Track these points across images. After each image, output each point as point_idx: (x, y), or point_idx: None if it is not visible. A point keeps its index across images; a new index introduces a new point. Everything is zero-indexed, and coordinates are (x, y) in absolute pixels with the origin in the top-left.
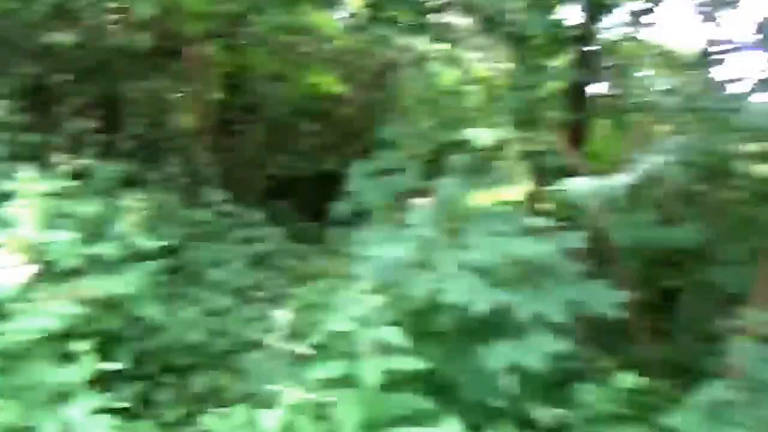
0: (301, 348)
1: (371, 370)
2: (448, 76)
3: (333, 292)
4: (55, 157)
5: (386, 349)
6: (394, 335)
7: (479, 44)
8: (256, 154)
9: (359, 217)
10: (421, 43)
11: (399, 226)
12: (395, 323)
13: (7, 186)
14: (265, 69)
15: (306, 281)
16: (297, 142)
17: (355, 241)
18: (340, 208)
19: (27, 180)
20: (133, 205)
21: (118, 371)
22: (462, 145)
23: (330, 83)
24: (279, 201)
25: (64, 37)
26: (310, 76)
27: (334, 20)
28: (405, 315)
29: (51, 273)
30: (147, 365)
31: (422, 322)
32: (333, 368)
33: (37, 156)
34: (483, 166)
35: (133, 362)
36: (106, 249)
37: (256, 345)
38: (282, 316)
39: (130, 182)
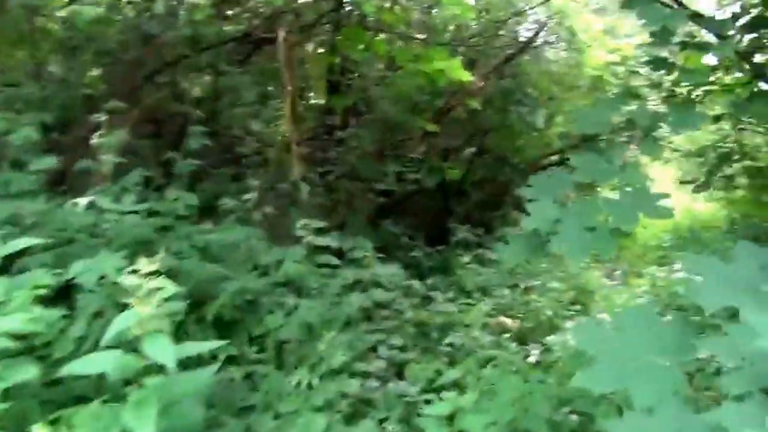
0: None
1: None
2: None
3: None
4: None
5: None
6: None
7: None
8: (363, 166)
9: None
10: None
11: None
12: None
13: None
14: (371, 58)
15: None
16: (412, 148)
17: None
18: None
19: None
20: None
21: None
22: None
23: (456, 70)
24: (392, 222)
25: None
26: (432, 62)
27: None
28: None
29: None
30: None
31: None
32: None
33: None
34: None
35: None
36: None
37: None
38: None
39: (205, 210)
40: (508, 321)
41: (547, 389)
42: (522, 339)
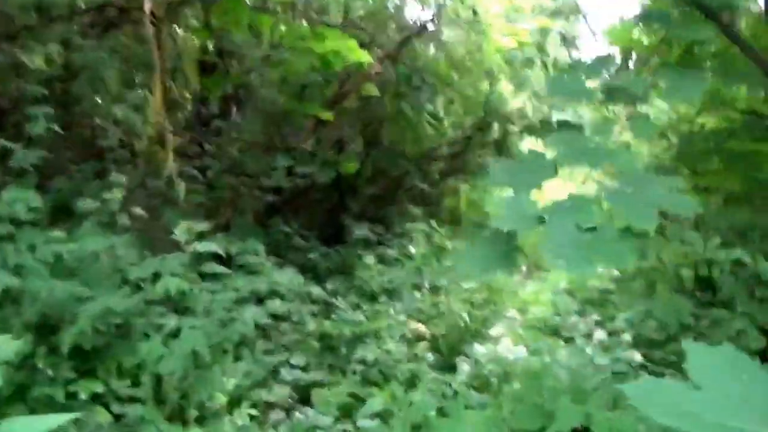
0: None
1: None
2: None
3: None
4: None
5: None
6: None
7: None
8: (248, 160)
9: None
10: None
11: None
12: None
13: None
14: (253, 39)
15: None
16: (303, 139)
17: None
18: None
19: None
20: None
21: None
22: None
23: (354, 50)
24: (283, 221)
25: None
26: (324, 41)
27: None
28: None
29: None
30: None
31: None
32: None
33: None
34: None
35: None
36: None
37: None
38: None
39: (59, 214)
40: (421, 327)
41: (498, 423)
42: (438, 347)
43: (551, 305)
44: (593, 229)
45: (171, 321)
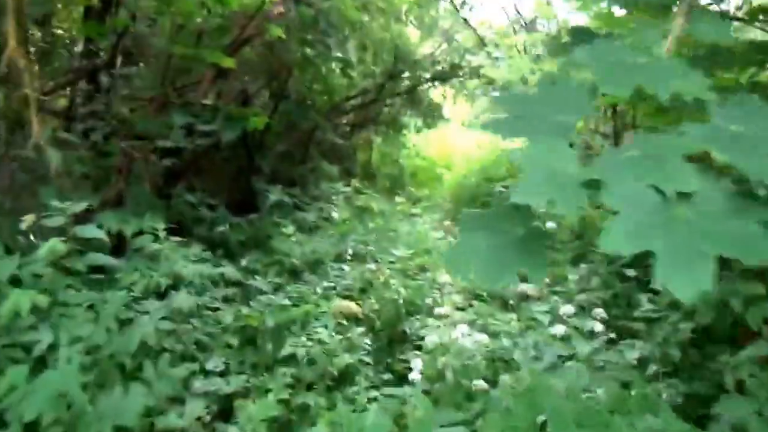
0: None
1: None
2: None
3: None
4: None
5: None
6: None
7: None
8: (140, 120)
9: None
10: None
11: None
12: None
13: None
14: None
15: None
16: (202, 92)
17: None
18: None
19: None
20: None
21: None
22: None
23: None
24: (186, 189)
25: None
26: None
27: None
28: None
29: None
30: None
31: None
32: None
33: None
34: None
35: None
36: None
37: None
38: None
39: None
40: (353, 306)
41: None
42: (374, 328)
43: None
44: (687, 196)
45: (42, 342)
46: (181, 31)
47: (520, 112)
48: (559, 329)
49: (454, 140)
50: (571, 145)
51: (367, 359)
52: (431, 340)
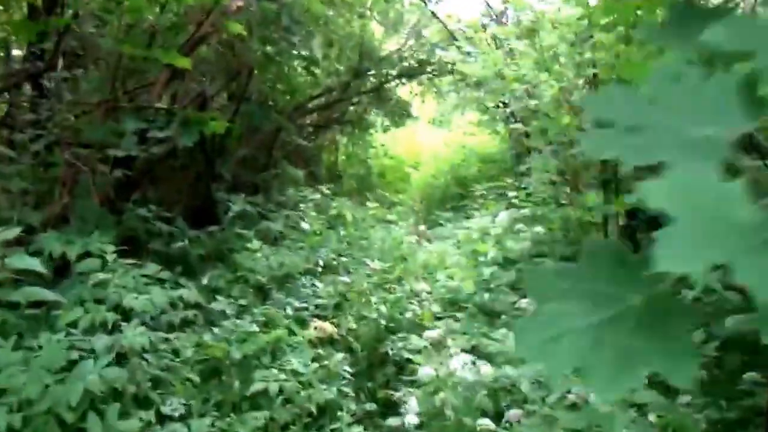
0: None
1: None
2: None
3: None
4: None
5: None
6: None
7: None
8: (87, 127)
9: None
10: None
11: None
12: None
13: None
14: None
15: None
16: (156, 95)
17: None
18: None
19: None
20: None
21: None
22: None
23: None
24: (139, 202)
25: None
26: None
27: None
28: None
29: None
30: None
31: None
32: None
33: None
34: None
35: None
36: None
37: None
38: None
39: None
40: (327, 326)
41: None
42: (352, 350)
43: (474, 275)
44: None
45: None
46: (131, 30)
47: (632, 121)
48: None
49: (423, 139)
50: (734, 174)
51: (347, 389)
52: (426, 373)
